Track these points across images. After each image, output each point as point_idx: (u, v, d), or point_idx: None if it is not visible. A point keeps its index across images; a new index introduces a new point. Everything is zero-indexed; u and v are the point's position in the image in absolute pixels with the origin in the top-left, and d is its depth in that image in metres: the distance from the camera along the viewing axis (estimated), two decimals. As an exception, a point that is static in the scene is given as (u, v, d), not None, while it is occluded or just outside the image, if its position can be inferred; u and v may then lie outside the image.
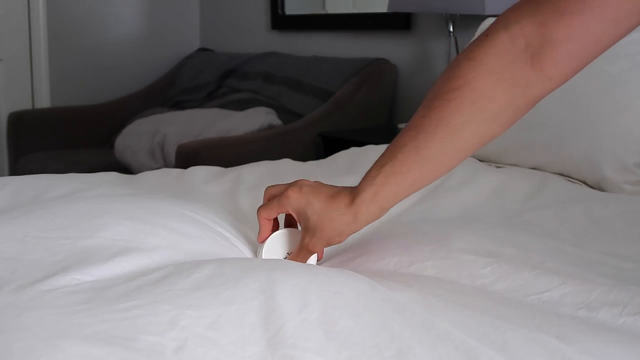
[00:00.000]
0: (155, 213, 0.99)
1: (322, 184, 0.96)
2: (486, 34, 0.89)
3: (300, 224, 0.96)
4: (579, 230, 1.11)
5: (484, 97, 0.87)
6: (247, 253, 1.00)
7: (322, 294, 0.76)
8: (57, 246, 0.88)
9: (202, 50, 3.76)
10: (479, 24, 2.01)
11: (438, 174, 0.93)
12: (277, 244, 0.99)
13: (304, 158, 1.94)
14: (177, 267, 0.83)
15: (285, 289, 0.76)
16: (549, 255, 0.92)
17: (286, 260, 0.95)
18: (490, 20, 1.99)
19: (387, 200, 0.92)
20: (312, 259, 0.97)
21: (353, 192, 0.92)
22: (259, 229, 0.98)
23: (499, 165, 1.67)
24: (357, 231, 0.94)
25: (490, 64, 0.87)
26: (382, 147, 1.68)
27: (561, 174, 1.55)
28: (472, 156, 1.72)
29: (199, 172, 1.51)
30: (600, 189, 1.49)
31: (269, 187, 1.00)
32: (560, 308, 0.80)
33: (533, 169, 1.60)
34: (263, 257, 0.97)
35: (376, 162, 0.93)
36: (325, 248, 0.99)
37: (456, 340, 0.68)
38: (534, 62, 0.86)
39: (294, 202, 0.94)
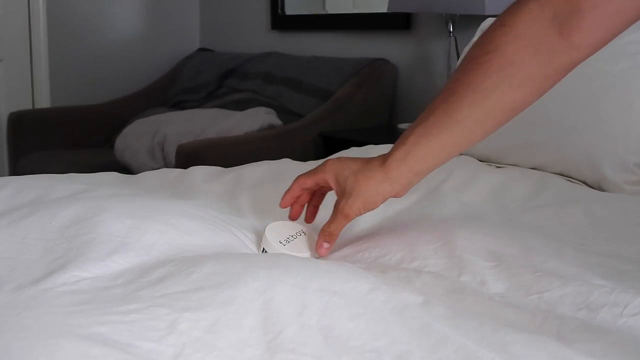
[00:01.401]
0: (154, 211, 0.99)
1: None
2: (518, 1, 0.91)
3: (336, 192, 0.98)
4: (579, 230, 1.11)
5: (512, 62, 0.89)
6: (249, 243, 1.00)
7: (322, 294, 0.76)
8: (56, 245, 0.89)
9: (202, 50, 3.76)
10: (479, 24, 2.00)
11: (466, 140, 0.94)
12: (279, 230, 1.00)
13: (303, 158, 1.94)
14: (176, 266, 0.83)
15: (284, 290, 0.76)
16: (550, 256, 0.92)
17: (288, 255, 0.95)
18: (490, 20, 1.98)
19: (418, 162, 0.94)
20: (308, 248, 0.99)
21: (387, 154, 0.96)
22: (286, 191, 1.02)
23: (499, 165, 1.66)
24: (392, 194, 0.96)
25: (519, 30, 0.89)
26: (382, 147, 1.69)
27: (561, 174, 1.55)
28: (472, 156, 1.72)
29: (199, 172, 1.51)
30: (600, 189, 1.49)
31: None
32: (560, 308, 0.80)
33: (533, 169, 1.60)
34: (266, 237, 0.98)
35: (411, 125, 0.96)
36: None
37: (456, 343, 0.68)
38: (561, 31, 0.88)
39: (331, 166, 0.98)
